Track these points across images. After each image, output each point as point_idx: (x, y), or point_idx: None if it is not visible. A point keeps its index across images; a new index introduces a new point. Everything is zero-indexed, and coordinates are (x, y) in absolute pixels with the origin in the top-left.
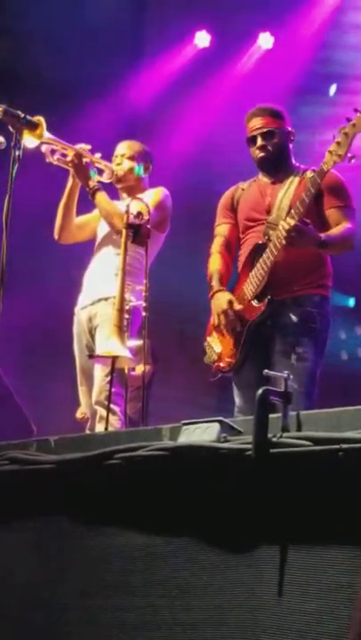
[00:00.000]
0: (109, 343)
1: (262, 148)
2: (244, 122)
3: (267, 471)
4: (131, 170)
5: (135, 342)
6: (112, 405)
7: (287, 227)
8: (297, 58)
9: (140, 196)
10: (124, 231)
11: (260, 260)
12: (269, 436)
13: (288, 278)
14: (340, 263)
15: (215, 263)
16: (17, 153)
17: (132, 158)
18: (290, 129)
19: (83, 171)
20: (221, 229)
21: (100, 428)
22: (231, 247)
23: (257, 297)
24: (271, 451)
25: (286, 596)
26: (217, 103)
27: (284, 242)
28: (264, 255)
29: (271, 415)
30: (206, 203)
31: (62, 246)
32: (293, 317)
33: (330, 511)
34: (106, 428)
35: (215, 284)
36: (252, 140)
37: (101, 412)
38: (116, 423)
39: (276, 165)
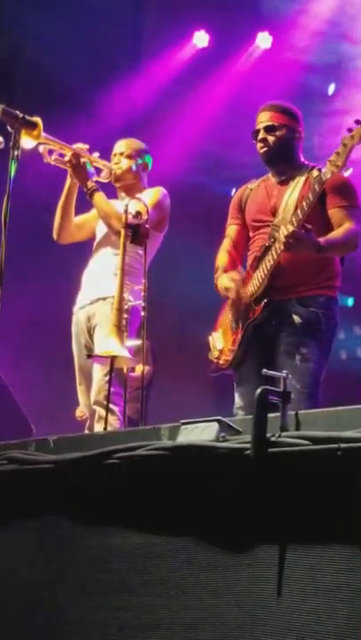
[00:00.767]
0: (108, 343)
1: (263, 140)
2: (256, 117)
3: (266, 471)
4: (129, 168)
5: (134, 342)
6: (111, 405)
7: (286, 232)
8: (295, 57)
9: (138, 195)
10: (122, 231)
11: (264, 262)
12: (268, 435)
13: (294, 279)
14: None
15: (221, 259)
16: (15, 153)
17: (130, 157)
18: (298, 128)
19: (81, 171)
20: (229, 230)
21: (98, 427)
22: (238, 248)
23: (256, 299)
24: (270, 450)
25: (285, 595)
26: (216, 103)
27: (283, 247)
28: (267, 258)
29: (270, 415)
30: (205, 202)
31: (61, 246)
32: (298, 318)
33: (329, 510)
34: (105, 428)
35: (218, 275)
36: (255, 134)
37: (100, 411)
38: (114, 423)
39: (279, 161)
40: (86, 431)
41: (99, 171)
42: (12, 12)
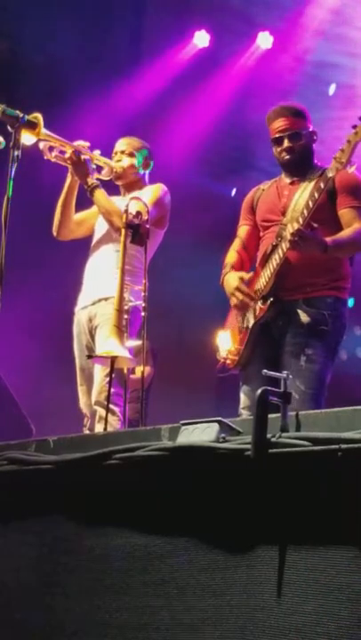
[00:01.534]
0: (108, 343)
1: (289, 150)
2: (267, 120)
3: (266, 471)
4: (130, 166)
5: (135, 342)
6: (111, 405)
7: (291, 230)
8: (296, 57)
9: (139, 192)
10: (123, 231)
11: (270, 261)
12: (268, 436)
13: (302, 278)
14: None
15: (230, 257)
16: (16, 153)
17: (131, 155)
18: (313, 129)
19: (81, 168)
20: (240, 231)
21: (99, 428)
22: (249, 249)
23: (263, 297)
24: (270, 451)
25: (286, 596)
26: (216, 102)
27: (289, 246)
28: (273, 256)
29: (270, 415)
30: (205, 202)
31: (62, 244)
32: (304, 319)
33: (329, 511)
34: (105, 429)
35: (225, 271)
36: (278, 141)
37: (101, 412)
38: (115, 423)
39: (300, 166)
40: (87, 431)
41: (100, 168)
42: (12, 12)
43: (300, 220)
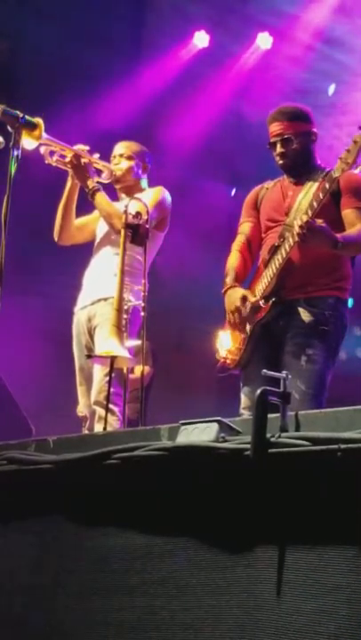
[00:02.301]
0: (108, 343)
1: (281, 155)
2: (267, 122)
3: (265, 471)
4: (129, 170)
5: (134, 342)
6: (111, 405)
7: (300, 223)
8: (296, 58)
9: (138, 195)
10: (122, 231)
11: (273, 261)
12: (268, 436)
13: (304, 279)
14: None
15: (233, 260)
16: (16, 153)
17: (130, 158)
18: (313, 129)
19: (82, 171)
20: (243, 228)
21: (98, 427)
22: (252, 246)
23: (265, 297)
24: (270, 451)
25: (285, 596)
26: (216, 103)
27: (297, 239)
28: (276, 257)
29: (270, 415)
30: (205, 202)
31: (62, 246)
32: (306, 318)
33: (329, 511)
34: (104, 428)
35: (229, 280)
36: (273, 145)
37: (100, 411)
38: (114, 423)
39: (298, 169)
40: (86, 431)
41: (99, 172)
42: (12, 12)
43: (304, 218)
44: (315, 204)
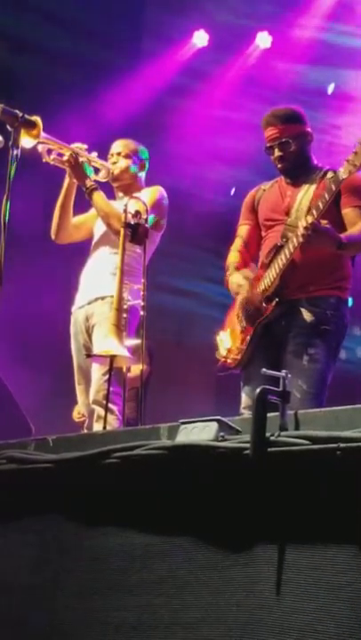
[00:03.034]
0: (107, 342)
1: (280, 159)
2: (261, 126)
3: (265, 470)
4: (127, 168)
5: (133, 342)
6: (110, 404)
7: (305, 224)
8: (295, 57)
9: (136, 194)
10: (122, 230)
11: (276, 261)
12: (267, 435)
13: (305, 278)
14: None
15: (232, 258)
16: (15, 152)
17: (127, 157)
18: (307, 130)
19: (79, 170)
20: (241, 230)
21: (97, 427)
22: (250, 248)
23: (268, 298)
24: (269, 450)
25: (286, 595)
26: (215, 102)
27: (301, 240)
28: (279, 257)
29: (269, 414)
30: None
31: (60, 245)
32: (307, 318)
33: (328, 510)
34: (104, 427)
35: (230, 272)
36: (270, 150)
37: (99, 411)
38: (113, 422)
39: (297, 170)
40: (85, 430)
41: (97, 170)
42: (11, 12)
43: (315, 214)
44: (320, 204)
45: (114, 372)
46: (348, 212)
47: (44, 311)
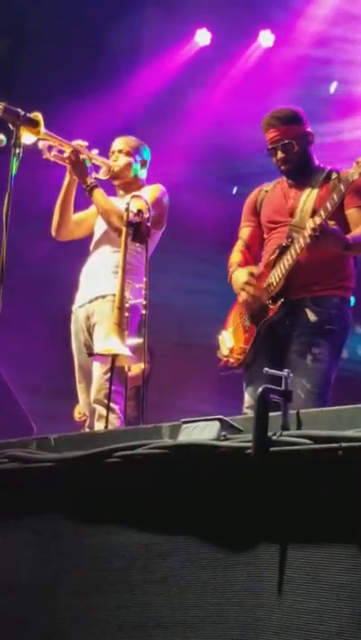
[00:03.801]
0: (109, 341)
1: (283, 161)
2: (261, 128)
3: (267, 469)
4: (127, 166)
5: (134, 340)
6: (111, 403)
7: (313, 225)
8: (297, 55)
9: (137, 192)
10: (123, 229)
11: (281, 261)
12: (269, 434)
13: (309, 278)
14: None
15: (235, 257)
16: (17, 150)
17: (128, 154)
18: (308, 130)
19: (80, 167)
20: (242, 232)
21: (99, 426)
22: (252, 250)
23: (272, 298)
24: (271, 449)
25: (287, 594)
26: (217, 101)
27: (309, 240)
28: (285, 257)
29: (271, 414)
30: (205, 201)
31: (60, 243)
32: (311, 318)
33: (330, 509)
34: (105, 427)
35: (233, 269)
36: (272, 152)
37: (100, 410)
38: (115, 421)
39: (300, 171)
40: (87, 430)
41: (97, 168)
42: (12, 9)
43: (323, 215)
44: (328, 205)
45: (115, 370)
46: (351, 213)
47: (46, 309)
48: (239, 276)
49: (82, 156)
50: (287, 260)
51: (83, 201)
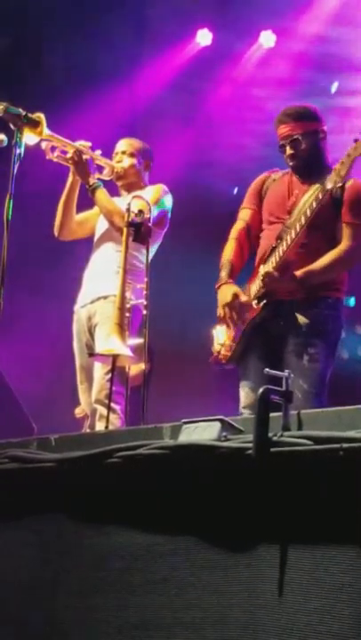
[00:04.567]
0: (110, 341)
1: (292, 157)
2: (273, 125)
3: (267, 470)
4: (131, 167)
5: (135, 341)
6: (112, 404)
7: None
8: (298, 56)
9: (139, 193)
10: (125, 230)
11: (268, 262)
12: (270, 435)
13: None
14: None
15: (228, 252)
16: (18, 151)
17: (132, 155)
18: (321, 127)
19: (83, 168)
20: (244, 214)
21: (100, 426)
22: (251, 233)
23: (258, 298)
24: (272, 450)
25: (288, 595)
26: (218, 101)
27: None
28: (271, 259)
29: (272, 414)
30: (207, 201)
31: (62, 243)
32: (306, 318)
33: (331, 510)
34: (106, 427)
35: (223, 275)
36: (282, 148)
37: (101, 410)
38: (116, 422)
39: (309, 169)
40: (87, 430)
41: (101, 168)
42: (13, 10)
43: (298, 228)
44: (308, 212)
45: (116, 371)
46: (340, 228)
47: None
48: (225, 292)
49: (85, 157)
50: (272, 263)
51: (85, 201)
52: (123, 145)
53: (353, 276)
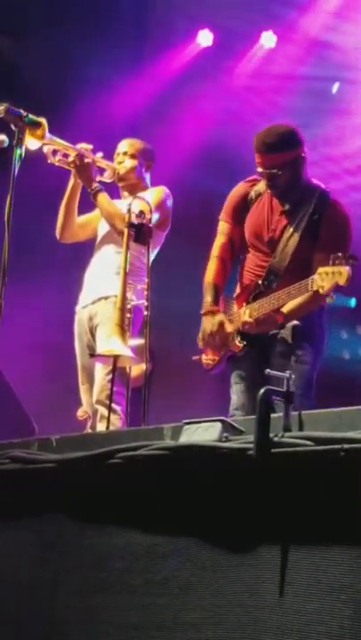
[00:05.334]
0: (111, 342)
1: (270, 187)
2: (253, 146)
3: (268, 471)
4: (132, 168)
5: (136, 341)
6: (113, 404)
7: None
8: (299, 56)
9: (141, 194)
10: (125, 230)
11: (255, 305)
12: (271, 435)
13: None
14: None
15: (211, 273)
16: (19, 152)
17: (133, 156)
18: (299, 154)
19: (84, 171)
20: (224, 228)
21: (101, 427)
22: (234, 247)
23: (240, 335)
24: (273, 450)
25: (288, 595)
26: (219, 102)
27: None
28: (260, 303)
29: (273, 415)
30: (207, 202)
31: (64, 245)
32: (294, 325)
33: (331, 511)
34: (107, 427)
35: (209, 300)
36: (260, 174)
37: (102, 410)
38: (117, 422)
39: (288, 194)
40: (89, 430)
41: (102, 170)
42: (14, 11)
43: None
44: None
45: (117, 371)
46: (317, 258)
47: (48, 310)
48: (211, 323)
49: (86, 160)
50: (260, 310)
51: (86, 204)
52: (124, 145)
53: (353, 277)
